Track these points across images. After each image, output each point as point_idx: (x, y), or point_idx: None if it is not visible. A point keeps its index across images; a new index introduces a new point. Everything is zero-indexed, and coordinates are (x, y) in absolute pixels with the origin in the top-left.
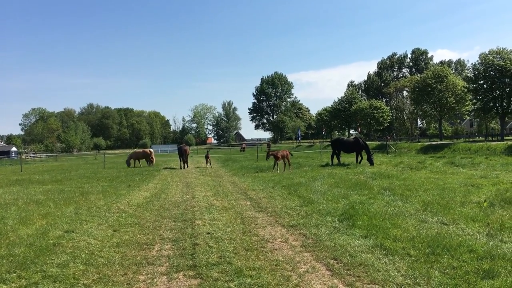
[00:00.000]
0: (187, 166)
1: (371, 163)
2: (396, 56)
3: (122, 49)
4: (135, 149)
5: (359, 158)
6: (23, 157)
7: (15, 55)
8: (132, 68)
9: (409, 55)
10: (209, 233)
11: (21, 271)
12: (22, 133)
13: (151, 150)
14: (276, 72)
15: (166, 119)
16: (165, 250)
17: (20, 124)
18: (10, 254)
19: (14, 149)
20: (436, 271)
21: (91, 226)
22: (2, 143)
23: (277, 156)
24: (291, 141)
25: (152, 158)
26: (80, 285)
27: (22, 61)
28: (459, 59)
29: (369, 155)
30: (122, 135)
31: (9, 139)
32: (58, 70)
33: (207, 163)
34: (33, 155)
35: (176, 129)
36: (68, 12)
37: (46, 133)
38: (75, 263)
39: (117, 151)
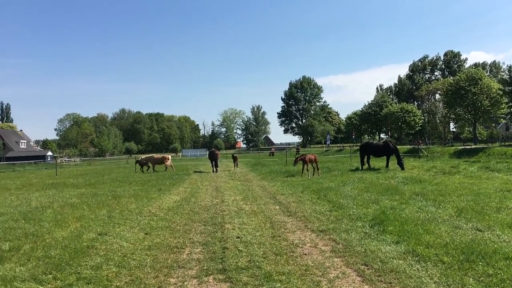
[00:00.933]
0: (217, 171)
1: (402, 167)
2: (428, 59)
3: (152, 56)
4: (153, 154)
5: (389, 163)
6: (58, 161)
7: (51, 62)
8: (162, 74)
9: (442, 58)
10: (238, 237)
11: (57, 272)
12: (57, 138)
13: (169, 156)
14: (304, 76)
15: (196, 123)
16: (195, 254)
17: (55, 129)
18: (46, 256)
19: (49, 153)
20: (471, 279)
21: (124, 229)
22: (38, 148)
23: (305, 160)
24: (321, 145)
25: (169, 164)
26: (113, 286)
27: (58, 68)
28: (494, 61)
29: (399, 159)
30: (153, 139)
31: (45, 144)
32: (91, 77)
33: (235, 166)
34: (68, 159)
35: (206, 134)
36: (99, 21)
37: (80, 137)
38: (108, 265)
39: (148, 155)
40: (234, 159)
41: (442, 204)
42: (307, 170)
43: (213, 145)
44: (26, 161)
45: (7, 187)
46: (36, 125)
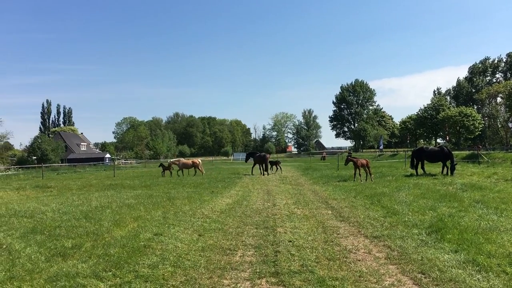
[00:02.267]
0: (268, 173)
1: (452, 173)
2: (489, 61)
3: (204, 60)
4: (181, 158)
5: (445, 168)
6: (116, 163)
7: (110, 68)
8: (214, 78)
9: (504, 59)
10: (290, 241)
11: (116, 270)
12: (115, 140)
13: (199, 160)
14: (356, 80)
15: (247, 127)
16: (247, 256)
17: (113, 132)
18: (106, 254)
19: (107, 155)
20: None
21: (178, 230)
22: (97, 150)
23: (357, 164)
24: (373, 150)
25: (201, 168)
26: (169, 285)
27: (116, 73)
28: None
29: (452, 164)
30: (205, 143)
31: (104, 146)
32: (147, 82)
33: (277, 170)
34: (125, 161)
35: (257, 137)
36: (155, 27)
37: (136, 140)
38: (164, 265)
39: (200, 158)
40: (276, 164)
41: (504, 212)
42: (359, 175)
43: (263, 150)
44: (86, 163)
45: (69, 188)
46: (95, 129)
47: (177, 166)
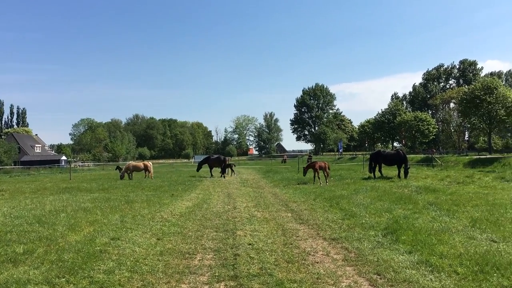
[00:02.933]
0: (225, 177)
1: (406, 175)
2: (443, 67)
3: (166, 62)
4: (131, 161)
5: (401, 171)
6: (72, 165)
7: (65, 67)
8: (175, 80)
9: (457, 66)
10: (250, 244)
11: (70, 276)
12: (72, 142)
13: (150, 163)
14: (317, 84)
15: (208, 130)
16: (207, 260)
17: (70, 134)
18: (59, 259)
19: (63, 157)
20: None
21: (136, 234)
22: (53, 152)
23: (315, 167)
24: (333, 153)
25: (151, 172)
26: None
27: (72, 73)
28: (510, 70)
29: (406, 167)
30: (165, 145)
31: (59, 148)
32: (106, 83)
33: (231, 173)
34: (81, 164)
35: (218, 140)
36: (114, 26)
37: (94, 142)
38: (121, 270)
39: (160, 161)
40: (230, 166)
41: (456, 214)
42: (319, 177)
43: (224, 152)
44: (40, 166)
45: (22, 191)
46: (51, 130)
47: (128, 170)
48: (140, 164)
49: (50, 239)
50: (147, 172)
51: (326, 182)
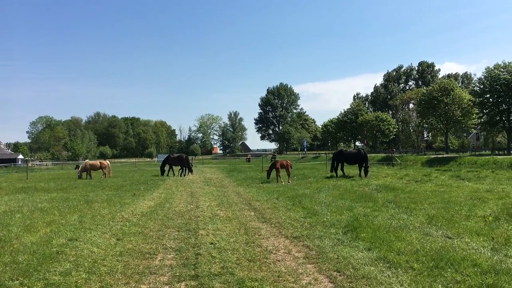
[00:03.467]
0: (185, 175)
1: (366, 174)
2: (403, 69)
3: (128, 59)
4: (87, 160)
5: (362, 170)
6: (30, 164)
7: (23, 63)
8: (138, 78)
9: (416, 68)
10: (212, 243)
11: (24, 278)
12: (29, 141)
13: (108, 162)
14: (281, 83)
15: (172, 128)
16: (167, 260)
17: (27, 132)
18: (13, 261)
19: (20, 156)
20: (440, 285)
21: (95, 235)
22: (9, 151)
23: (277, 167)
24: (297, 152)
25: (108, 170)
26: None
27: (30, 69)
28: (466, 73)
29: (366, 166)
30: (128, 144)
31: (16, 147)
32: (65, 79)
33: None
34: (39, 163)
35: (182, 139)
36: (74, 21)
37: (53, 141)
38: (78, 272)
39: (123, 160)
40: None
41: (413, 211)
42: (280, 176)
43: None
44: None
45: None
46: (7, 128)
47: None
48: (97, 162)
49: (3, 240)
50: (104, 171)
51: (288, 181)
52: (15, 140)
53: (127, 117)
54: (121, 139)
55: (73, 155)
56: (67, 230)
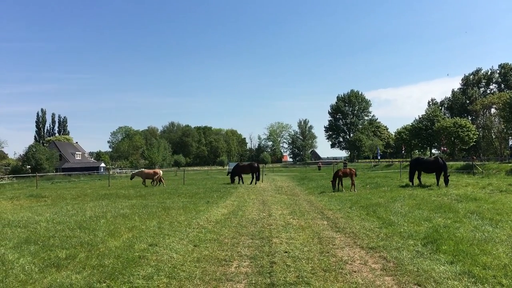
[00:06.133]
0: (256, 183)
1: (446, 183)
2: (482, 72)
3: (201, 71)
4: (142, 169)
5: (440, 179)
6: (111, 172)
7: (105, 77)
8: (211, 88)
9: (497, 70)
10: (286, 252)
11: (110, 281)
12: (110, 150)
13: (160, 171)
14: (352, 90)
15: (242, 137)
16: (243, 267)
17: (108, 142)
18: (100, 265)
19: (102, 165)
20: None
21: (173, 241)
22: (92, 160)
23: (339, 175)
24: (369, 160)
25: (161, 179)
26: None
27: (113, 82)
28: None
29: (446, 175)
30: (200, 152)
31: (98, 156)
32: (142, 91)
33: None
34: (120, 170)
35: (252, 147)
36: (150, 38)
37: (131, 150)
38: (159, 276)
39: (196, 168)
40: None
41: (499, 223)
42: (341, 185)
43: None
44: (80, 172)
45: (64, 197)
46: (90, 138)
47: (140, 177)
48: (150, 171)
49: (91, 244)
50: (155, 178)
51: (352, 189)
52: (97, 149)
53: (200, 126)
54: (194, 147)
55: (150, 163)
56: (148, 236)
